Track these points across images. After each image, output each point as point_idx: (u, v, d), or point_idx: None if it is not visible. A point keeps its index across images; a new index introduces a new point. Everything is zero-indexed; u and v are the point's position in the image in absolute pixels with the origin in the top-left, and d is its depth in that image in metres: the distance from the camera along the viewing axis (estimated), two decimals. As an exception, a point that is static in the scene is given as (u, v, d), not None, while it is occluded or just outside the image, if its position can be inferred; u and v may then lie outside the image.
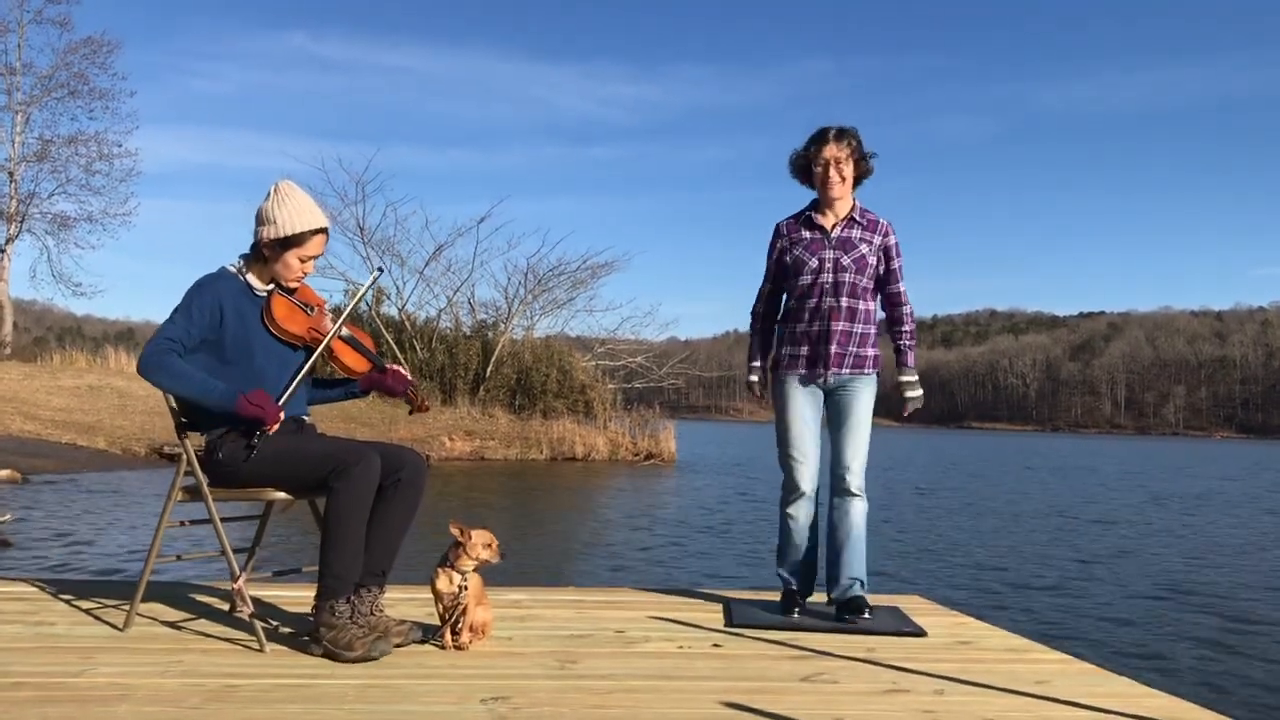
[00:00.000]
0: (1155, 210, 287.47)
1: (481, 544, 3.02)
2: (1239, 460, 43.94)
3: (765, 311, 3.88)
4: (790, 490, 3.74)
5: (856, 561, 3.69)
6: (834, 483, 3.71)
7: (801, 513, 3.72)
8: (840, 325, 3.66)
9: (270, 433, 2.96)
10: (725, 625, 3.55)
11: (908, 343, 3.82)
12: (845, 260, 3.66)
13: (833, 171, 3.64)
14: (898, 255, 3.76)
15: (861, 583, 3.70)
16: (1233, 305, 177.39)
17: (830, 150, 3.62)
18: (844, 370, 3.69)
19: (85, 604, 3.46)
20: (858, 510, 3.69)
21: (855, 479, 3.67)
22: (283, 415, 2.98)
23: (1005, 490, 19.77)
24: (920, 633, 3.52)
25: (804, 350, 3.71)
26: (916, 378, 3.88)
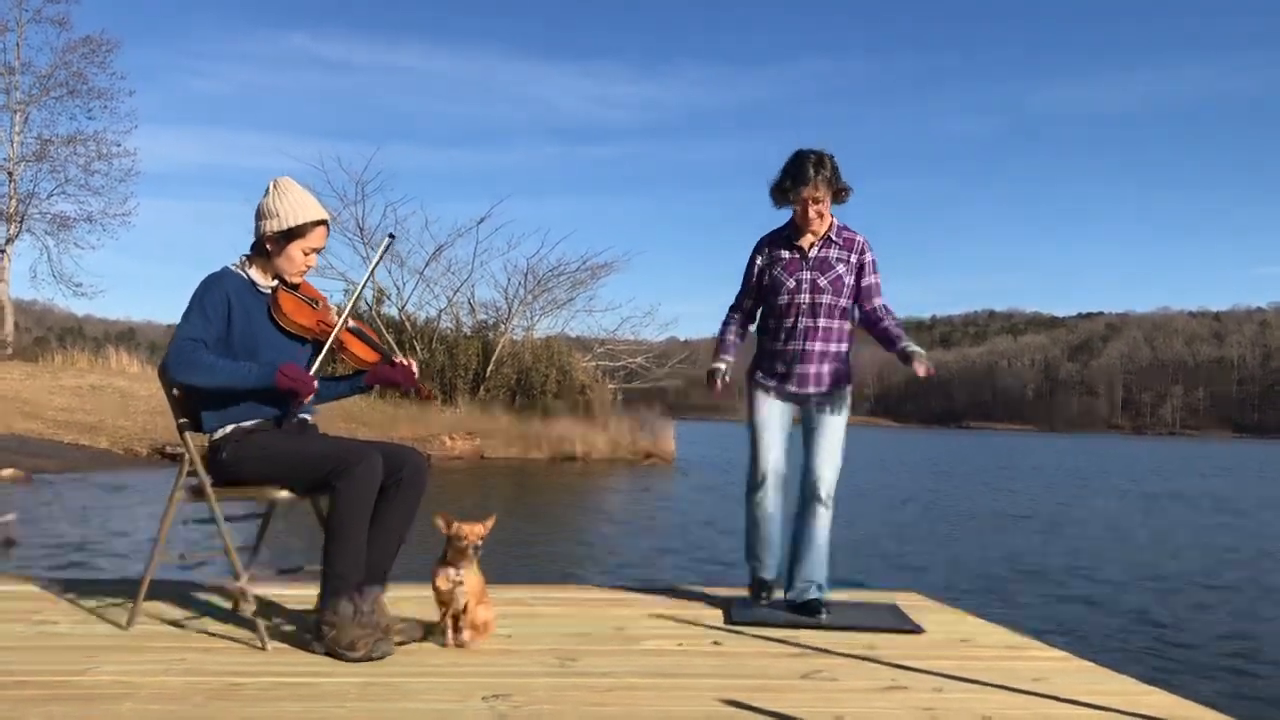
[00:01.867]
0: (1153, 210, 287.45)
1: (462, 535, 3.02)
2: (1236, 460, 43.96)
3: (743, 320, 3.90)
4: (754, 479, 3.75)
5: (817, 567, 3.72)
6: (804, 490, 3.73)
7: (767, 501, 3.74)
8: (816, 345, 3.71)
9: (306, 403, 3.01)
10: (725, 623, 3.56)
11: (897, 330, 3.72)
12: (822, 281, 3.71)
13: (811, 211, 3.68)
14: (873, 272, 3.78)
15: (820, 585, 3.72)
16: (1231, 306, 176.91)
17: (808, 191, 3.63)
18: (820, 387, 3.74)
19: (88, 603, 3.47)
20: (823, 519, 3.71)
21: (825, 488, 3.69)
22: (316, 385, 3.03)
23: (1003, 490, 19.79)
24: (919, 630, 3.53)
25: (779, 367, 3.76)
26: (908, 343, 3.67)
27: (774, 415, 3.76)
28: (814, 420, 3.75)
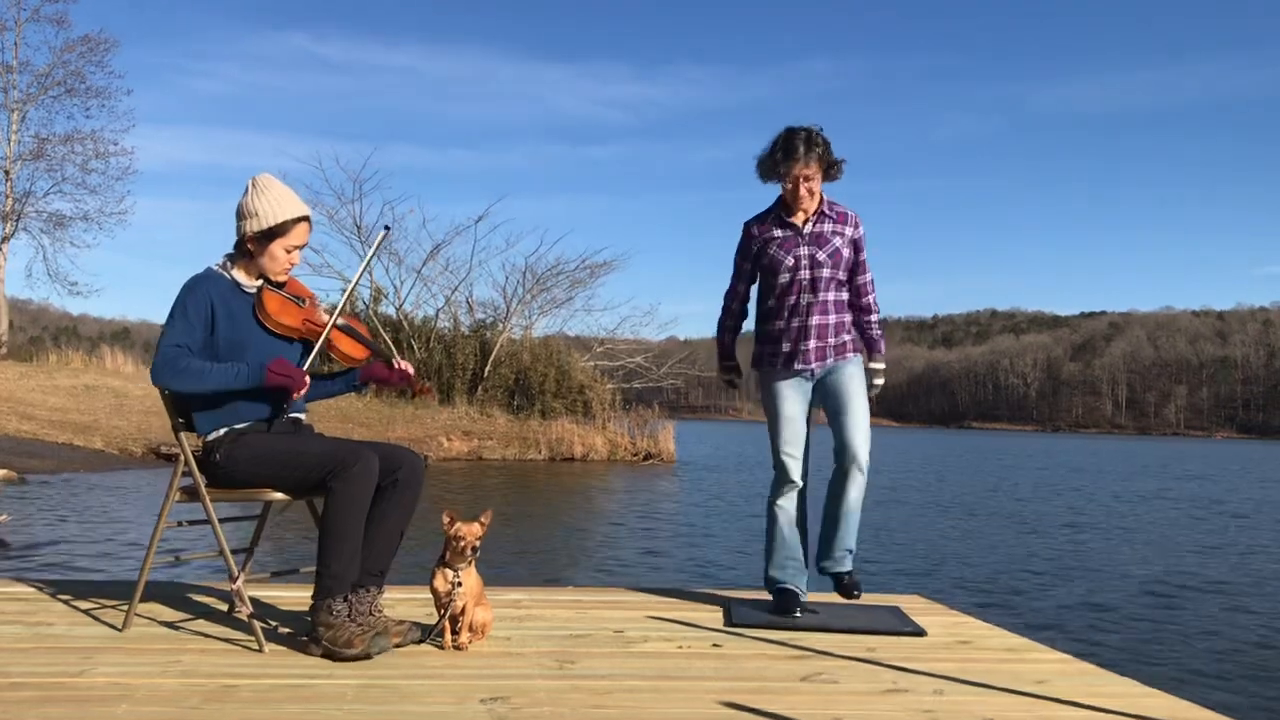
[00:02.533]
0: (1156, 209, 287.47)
1: (460, 535, 3.00)
2: (1238, 460, 43.96)
3: (739, 311, 3.93)
4: (782, 482, 3.75)
5: (850, 534, 3.76)
6: (840, 461, 3.71)
7: (793, 504, 3.75)
8: (818, 320, 3.71)
9: (297, 399, 2.99)
10: (725, 625, 3.55)
11: (877, 333, 3.89)
12: (820, 255, 3.70)
13: (802, 189, 3.66)
14: (863, 247, 3.81)
15: (851, 552, 3.77)
16: (1234, 305, 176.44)
17: (799, 169, 3.62)
18: (827, 360, 3.74)
19: (84, 604, 3.45)
20: (859, 485, 3.72)
21: (861, 454, 3.68)
22: (308, 381, 3.01)
23: (1003, 491, 19.78)
24: (920, 632, 3.52)
25: (785, 347, 3.75)
26: (884, 366, 3.89)
27: (793, 404, 3.75)
28: (835, 393, 3.74)
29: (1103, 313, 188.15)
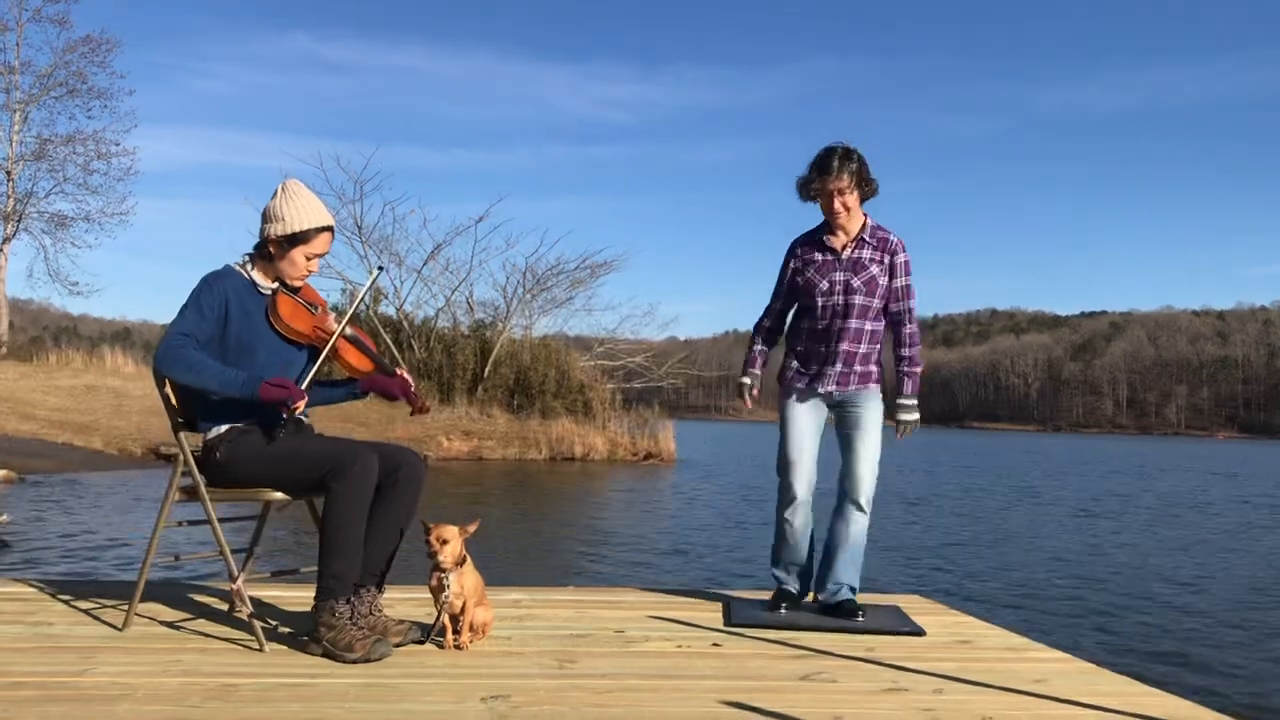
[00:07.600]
0: (1157, 209, 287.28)
1: (429, 548, 3.00)
2: (1236, 460, 43.94)
3: (771, 326, 3.94)
4: (786, 495, 3.78)
5: (850, 570, 3.75)
6: (840, 493, 3.75)
7: (798, 518, 3.77)
8: (847, 346, 3.71)
9: (297, 412, 2.98)
10: (725, 624, 3.55)
11: (908, 369, 3.80)
12: (855, 282, 3.69)
13: (836, 203, 3.67)
14: (905, 274, 3.75)
15: (852, 588, 3.74)
16: (1234, 304, 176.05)
17: (831, 183, 3.63)
18: (849, 387, 3.74)
19: (84, 604, 3.46)
20: (859, 523, 3.74)
21: (862, 493, 3.71)
22: (306, 397, 3.00)
23: (1003, 491, 19.78)
24: (919, 632, 3.52)
25: (811, 368, 3.76)
26: (915, 403, 3.81)
27: (805, 422, 3.77)
28: (850, 423, 3.75)
29: (1103, 312, 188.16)
